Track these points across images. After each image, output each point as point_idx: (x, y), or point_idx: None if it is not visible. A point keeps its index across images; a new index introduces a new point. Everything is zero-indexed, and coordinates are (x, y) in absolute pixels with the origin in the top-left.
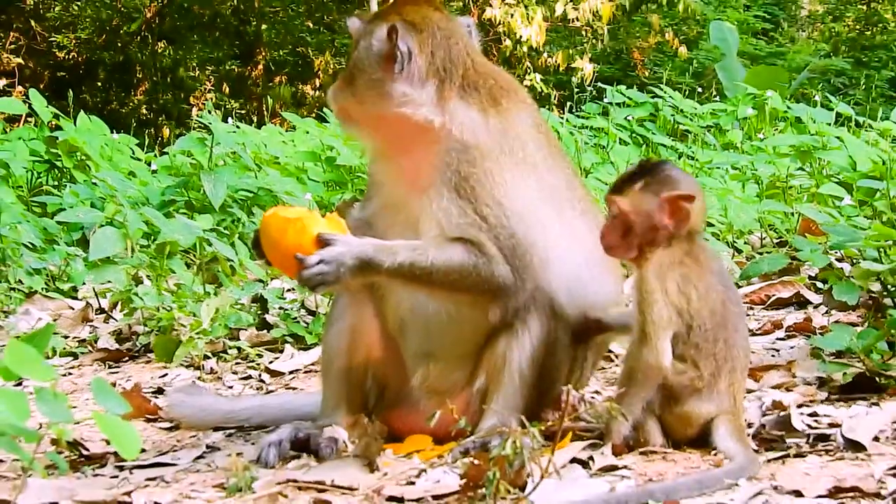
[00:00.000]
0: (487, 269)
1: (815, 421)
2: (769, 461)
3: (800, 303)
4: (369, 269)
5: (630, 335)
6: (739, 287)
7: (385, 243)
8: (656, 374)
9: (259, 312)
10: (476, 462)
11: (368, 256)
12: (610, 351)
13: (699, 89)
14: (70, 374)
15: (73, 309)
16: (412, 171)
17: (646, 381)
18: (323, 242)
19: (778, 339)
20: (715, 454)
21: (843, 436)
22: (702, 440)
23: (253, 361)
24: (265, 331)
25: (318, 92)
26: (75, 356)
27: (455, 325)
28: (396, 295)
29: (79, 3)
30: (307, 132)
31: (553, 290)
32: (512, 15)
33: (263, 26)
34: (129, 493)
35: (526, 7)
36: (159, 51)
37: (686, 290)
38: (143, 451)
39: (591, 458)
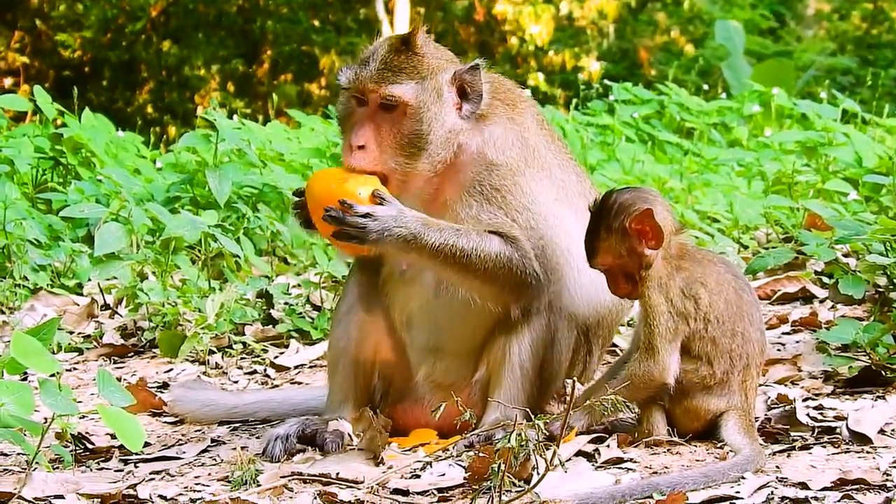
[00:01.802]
0: (521, 263)
1: (821, 414)
2: (775, 454)
3: (806, 297)
4: (412, 244)
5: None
6: None
7: (431, 219)
8: (657, 388)
9: (264, 308)
10: (481, 455)
11: (416, 230)
12: (615, 345)
13: (705, 87)
14: (75, 369)
15: (78, 305)
16: (436, 186)
17: (644, 391)
18: (378, 199)
19: (784, 333)
20: (721, 447)
21: (848, 429)
22: (707, 433)
23: (258, 356)
24: (270, 326)
25: (323, 90)
26: (80, 352)
27: (462, 321)
28: (405, 292)
29: (84, 3)
30: (312, 129)
31: (562, 286)
32: (521, 12)
33: (269, 24)
34: (133, 487)
35: (533, 5)
36: (164, 49)
37: (693, 292)
38: (149, 444)
39: (596, 450)
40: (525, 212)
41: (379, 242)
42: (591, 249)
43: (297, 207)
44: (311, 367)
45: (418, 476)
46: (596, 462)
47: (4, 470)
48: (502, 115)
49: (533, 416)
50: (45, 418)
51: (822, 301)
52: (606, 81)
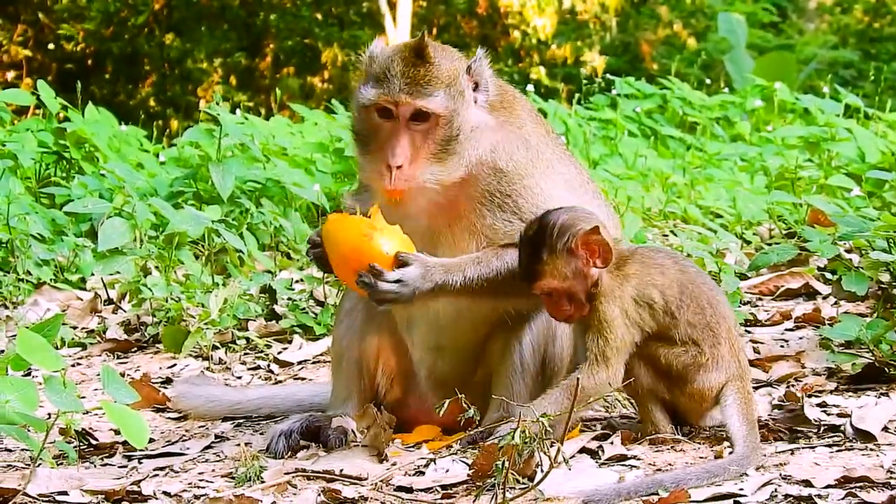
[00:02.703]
0: None
1: (825, 411)
2: (779, 452)
3: (809, 293)
4: (441, 291)
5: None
6: (748, 278)
7: (452, 261)
8: (604, 395)
9: (268, 303)
10: (484, 452)
11: (442, 280)
12: None
13: (708, 81)
14: (79, 364)
15: (81, 300)
16: (451, 198)
17: (592, 399)
18: (402, 262)
19: (787, 329)
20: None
21: (852, 426)
22: (709, 430)
23: (262, 352)
24: (274, 321)
25: (326, 84)
26: (84, 347)
27: (463, 320)
28: None
29: None
30: (315, 124)
31: None
32: (524, 5)
33: (271, 17)
34: (137, 483)
35: None
36: (167, 42)
37: (646, 297)
38: (152, 440)
39: (600, 447)
40: (538, 211)
41: (411, 301)
42: (532, 274)
43: (316, 257)
44: (314, 362)
45: (422, 473)
46: (600, 459)
47: (9, 466)
48: (504, 120)
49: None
50: (50, 414)
51: (825, 297)
52: (609, 76)
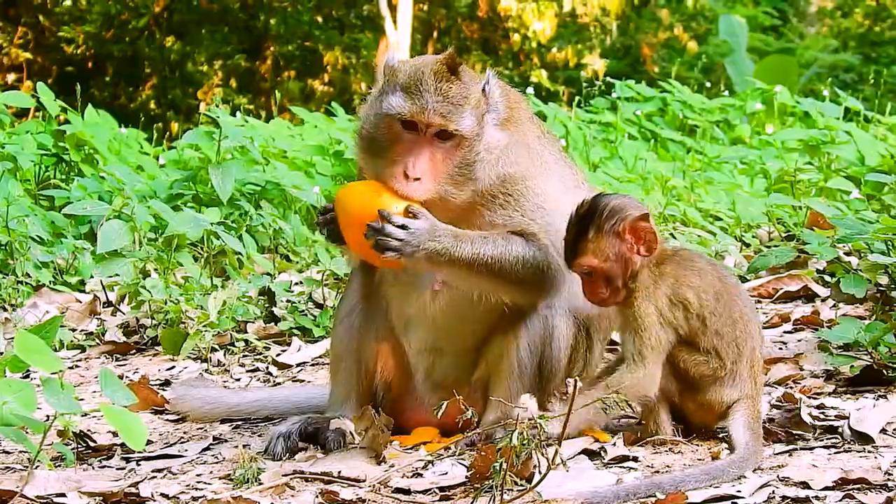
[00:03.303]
0: (545, 259)
1: (823, 413)
2: (777, 453)
3: (808, 296)
4: (445, 256)
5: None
6: (747, 280)
7: (461, 231)
8: (641, 398)
9: (266, 305)
10: (482, 454)
11: (449, 244)
12: (616, 343)
13: (708, 84)
14: (77, 366)
15: (80, 302)
16: (460, 211)
17: (631, 401)
18: (412, 214)
19: (786, 332)
20: (723, 440)
21: (850, 428)
22: (710, 431)
23: (260, 354)
24: (273, 323)
25: (326, 87)
26: (83, 349)
27: (460, 321)
28: (402, 294)
29: None
30: (315, 126)
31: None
32: (524, 8)
33: (272, 21)
34: (135, 485)
35: (536, 1)
36: (167, 45)
37: (681, 297)
38: (151, 442)
39: (602, 448)
40: (539, 210)
41: (415, 255)
42: (575, 250)
43: (326, 223)
44: (313, 364)
45: (420, 475)
46: (600, 461)
47: (7, 468)
48: (506, 125)
49: (534, 415)
50: (48, 416)
51: (823, 300)
52: (609, 79)
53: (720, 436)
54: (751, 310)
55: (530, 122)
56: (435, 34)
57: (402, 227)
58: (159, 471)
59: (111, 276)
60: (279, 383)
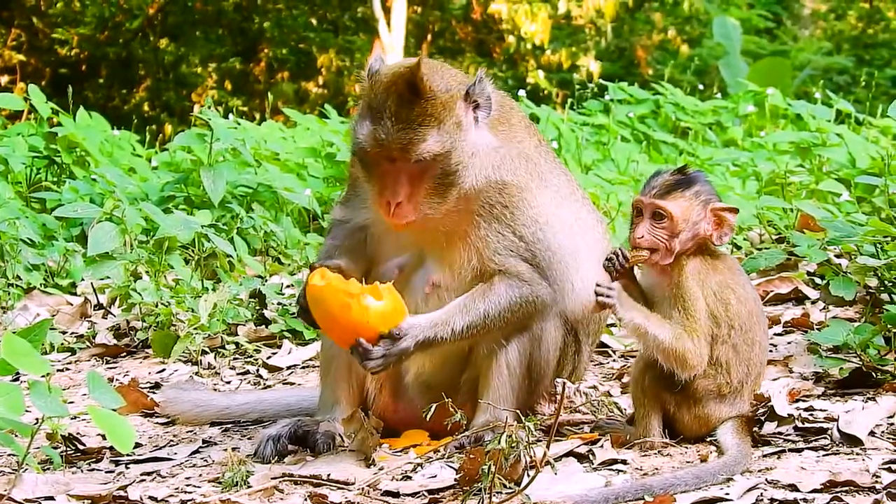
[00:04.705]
0: (531, 294)
1: (812, 415)
2: (765, 456)
3: (798, 298)
4: (431, 346)
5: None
6: None
7: (439, 316)
8: (691, 368)
9: (257, 308)
10: (471, 456)
11: (430, 338)
12: (606, 345)
13: (701, 87)
14: (68, 369)
15: (71, 305)
16: (456, 218)
17: (667, 364)
18: (395, 337)
19: (776, 334)
20: (711, 444)
21: (839, 430)
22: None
23: (251, 357)
24: (263, 326)
25: (321, 89)
26: (73, 352)
27: None
28: None
29: (81, 0)
30: (308, 129)
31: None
32: (517, 11)
33: (266, 23)
34: (124, 488)
35: (530, 3)
36: (162, 47)
37: (724, 296)
38: (140, 445)
39: (590, 451)
40: (533, 224)
41: (402, 360)
42: (667, 192)
43: (304, 317)
44: (303, 367)
45: (409, 477)
46: (589, 463)
47: None
48: (504, 133)
49: (523, 417)
50: (37, 419)
51: (814, 302)
52: (602, 81)
53: (708, 439)
54: (767, 342)
55: (526, 129)
56: (429, 36)
57: (384, 355)
58: (148, 474)
59: (102, 279)
60: (269, 386)
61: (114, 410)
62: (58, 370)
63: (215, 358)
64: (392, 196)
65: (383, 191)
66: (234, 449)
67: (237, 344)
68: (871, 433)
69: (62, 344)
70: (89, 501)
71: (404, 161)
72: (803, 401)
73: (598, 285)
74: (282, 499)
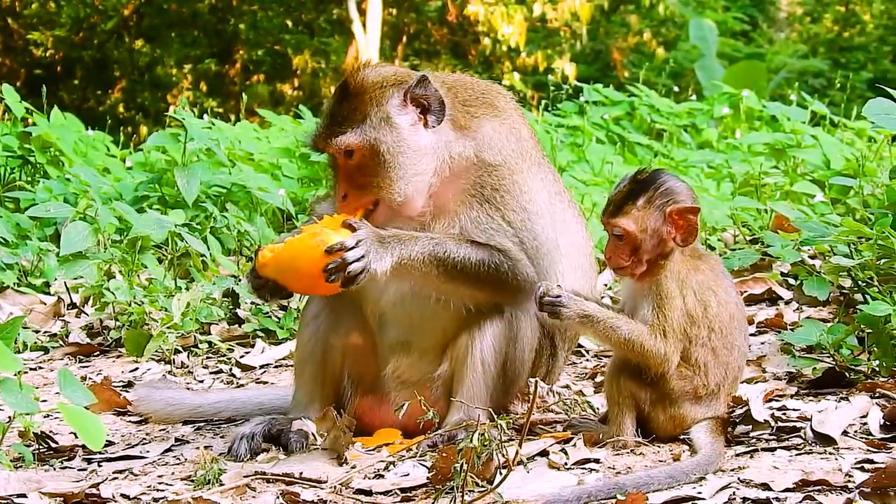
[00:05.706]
0: (511, 269)
1: (785, 415)
2: (738, 455)
3: (771, 299)
4: (386, 245)
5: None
6: None
7: (402, 232)
8: (656, 366)
9: (230, 307)
10: (444, 455)
11: (399, 250)
12: (580, 346)
13: (676, 89)
14: (41, 367)
15: (44, 304)
16: (438, 198)
17: (637, 360)
18: (350, 227)
19: (749, 334)
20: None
21: (812, 430)
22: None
23: (224, 356)
24: (236, 325)
25: (296, 91)
26: (46, 350)
27: (434, 318)
28: (379, 289)
29: (56, 1)
30: (282, 129)
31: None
32: (492, 13)
33: (241, 25)
34: (96, 486)
35: (506, 6)
36: (137, 48)
37: (704, 298)
38: (112, 444)
39: (563, 450)
40: (522, 212)
41: (381, 262)
42: (617, 210)
43: (263, 286)
44: (276, 366)
45: (382, 476)
46: (562, 461)
47: None
48: (489, 116)
49: (496, 416)
50: (9, 417)
51: (787, 302)
52: (576, 83)
53: (681, 438)
54: (747, 346)
55: (519, 115)
56: (404, 38)
57: (357, 242)
58: (121, 472)
59: (75, 278)
60: (242, 385)
61: (86, 408)
62: (31, 369)
63: (188, 357)
64: (340, 190)
65: (334, 184)
66: (206, 447)
67: (210, 343)
68: (844, 433)
69: (35, 343)
70: (62, 499)
71: (332, 153)
72: (776, 400)
73: (542, 295)
74: (254, 497)
